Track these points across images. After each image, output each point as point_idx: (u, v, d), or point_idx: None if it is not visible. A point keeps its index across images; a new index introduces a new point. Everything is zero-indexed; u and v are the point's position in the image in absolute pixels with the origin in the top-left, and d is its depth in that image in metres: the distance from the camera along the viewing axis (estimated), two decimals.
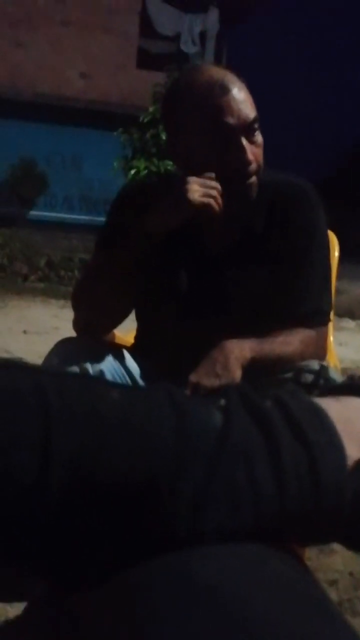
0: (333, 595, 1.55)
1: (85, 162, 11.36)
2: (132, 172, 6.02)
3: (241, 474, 0.41)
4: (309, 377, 0.61)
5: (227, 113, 1.22)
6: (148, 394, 0.45)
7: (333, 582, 1.62)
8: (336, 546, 0.53)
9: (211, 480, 0.40)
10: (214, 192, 1.22)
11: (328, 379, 0.59)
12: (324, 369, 0.60)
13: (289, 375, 0.67)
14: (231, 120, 1.22)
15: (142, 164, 6.09)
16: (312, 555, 1.71)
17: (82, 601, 0.42)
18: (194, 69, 1.32)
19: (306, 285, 1.33)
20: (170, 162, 3.76)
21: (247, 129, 1.25)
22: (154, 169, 5.91)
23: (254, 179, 1.27)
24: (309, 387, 0.59)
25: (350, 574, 1.67)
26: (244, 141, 1.24)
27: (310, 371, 0.61)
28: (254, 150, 1.26)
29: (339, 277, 1.64)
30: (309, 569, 0.46)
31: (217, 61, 11.02)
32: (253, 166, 1.26)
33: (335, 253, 1.68)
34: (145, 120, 6.35)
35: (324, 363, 0.61)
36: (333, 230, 1.63)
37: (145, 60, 11.16)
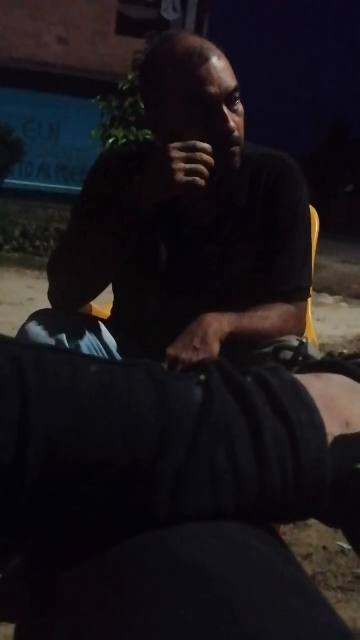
0: (307, 569, 1.58)
1: (63, 130, 11.21)
2: (110, 141, 5.94)
3: (222, 453, 0.40)
4: (288, 354, 0.60)
5: (208, 82, 1.20)
6: (128, 370, 0.44)
7: (307, 556, 1.65)
8: (311, 521, 0.53)
9: (192, 460, 0.40)
10: (200, 167, 1.19)
11: (307, 356, 0.58)
12: (303, 346, 0.59)
13: (268, 350, 0.66)
14: (212, 89, 1.20)
15: (120, 132, 6.01)
16: (286, 530, 1.73)
17: (60, 577, 0.41)
18: (170, 38, 1.27)
19: (287, 261, 1.32)
20: (149, 132, 3.69)
21: (228, 97, 1.22)
22: (132, 138, 5.84)
23: (236, 148, 1.25)
24: (288, 364, 0.58)
25: (324, 548, 1.70)
26: (226, 110, 1.22)
27: (289, 348, 0.60)
28: (235, 119, 1.24)
29: (318, 252, 1.63)
30: (286, 544, 0.46)
31: (199, 29, 10.86)
32: (235, 135, 1.23)
33: (316, 228, 1.67)
34: (124, 88, 6.26)
35: (304, 339, 0.60)
36: (315, 205, 1.62)
37: (125, 27, 10.97)
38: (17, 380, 0.39)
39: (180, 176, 1.17)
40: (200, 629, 0.32)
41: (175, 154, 1.18)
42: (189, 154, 1.18)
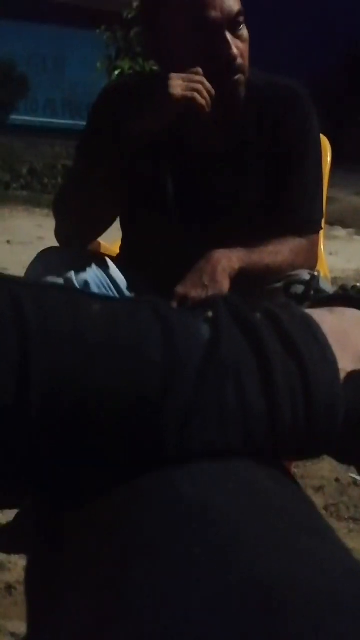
0: (320, 500, 1.60)
1: (68, 63, 10.93)
2: (117, 72, 5.79)
3: (230, 390, 0.39)
4: (299, 288, 0.59)
5: (210, 6, 1.15)
6: (132, 306, 0.42)
7: (320, 488, 1.67)
8: None
9: (199, 396, 0.39)
10: (199, 86, 1.15)
11: (319, 290, 0.57)
12: (314, 279, 0.57)
13: (279, 285, 0.65)
14: (214, 14, 1.15)
15: (126, 64, 5.85)
16: (299, 463, 1.75)
17: (68, 515, 0.41)
18: None
19: (298, 193, 1.29)
20: None
21: (231, 22, 1.17)
22: (139, 69, 5.67)
23: (240, 76, 1.20)
24: (299, 299, 0.57)
25: (337, 480, 1.72)
26: (229, 36, 1.16)
27: (300, 282, 0.59)
28: (239, 45, 1.19)
29: (331, 184, 1.59)
30: (296, 478, 0.45)
31: None
32: (239, 61, 1.19)
33: (328, 159, 1.62)
34: (130, 16, 6.04)
35: (315, 273, 0.58)
36: (328, 135, 1.57)
37: None
38: (17, 320, 0.38)
39: (177, 90, 1.13)
40: (205, 567, 0.32)
41: (174, 74, 1.14)
42: (190, 76, 1.14)
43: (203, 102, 1.15)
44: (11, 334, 0.37)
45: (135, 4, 5.96)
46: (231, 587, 0.30)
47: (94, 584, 0.34)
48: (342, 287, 0.56)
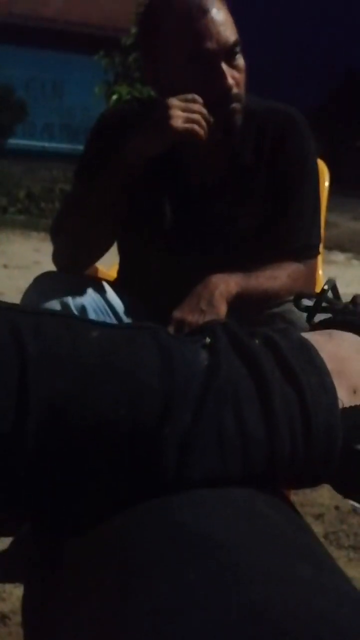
0: (319, 528, 1.59)
1: (66, 88, 11.05)
2: (114, 97, 5.85)
3: (229, 417, 0.40)
4: (309, 302, 0.59)
5: (206, 37, 1.16)
6: (131, 333, 0.43)
7: (319, 516, 1.66)
8: None
9: (198, 424, 0.39)
10: (197, 117, 1.16)
11: (331, 301, 0.57)
12: (324, 292, 0.57)
13: (277, 310, 0.65)
14: (210, 45, 1.16)
15: (124, 89, 5.91)
16: (298, 491, 1.73)
17: (66, 543, 0.41)
18: None
19: (295, 218, 1.29)
20: None
21: (227, 53, 1.18)
22: (136, 94, 5.73)
23: (236, 105, 1.21)
24: (309, 311, 0.57)
25: (336, 507, 1.71)
26: (225, 66, 1.18)
27: (310, 296, 0.59)
28: (235, 75, 1.20)
29: (329, 208, 1.59)
30: (295, 507, 0.45)
31: None
32: (235, 91, 1.20)
33: (326, 183, 1.62)
34: (128, 42, 6.13)
35: (325, 286, 0.58)
36: (325, 160, 1.57)
37: None
38: (16, 348, 0.38)
39: (178, 122, 1.14)
40: (202, 594, 0.31)
41: (174, 102, 1.15)
42: (188, 104, 1.15)
43: (201, 132, 1.16)
44: (10, 362, 0.37)
45: (133, 30, 6.04)
46: (230, 613, 0.30)
47: (93, 610, 0.34)
48: (354, 300, 0.56)
